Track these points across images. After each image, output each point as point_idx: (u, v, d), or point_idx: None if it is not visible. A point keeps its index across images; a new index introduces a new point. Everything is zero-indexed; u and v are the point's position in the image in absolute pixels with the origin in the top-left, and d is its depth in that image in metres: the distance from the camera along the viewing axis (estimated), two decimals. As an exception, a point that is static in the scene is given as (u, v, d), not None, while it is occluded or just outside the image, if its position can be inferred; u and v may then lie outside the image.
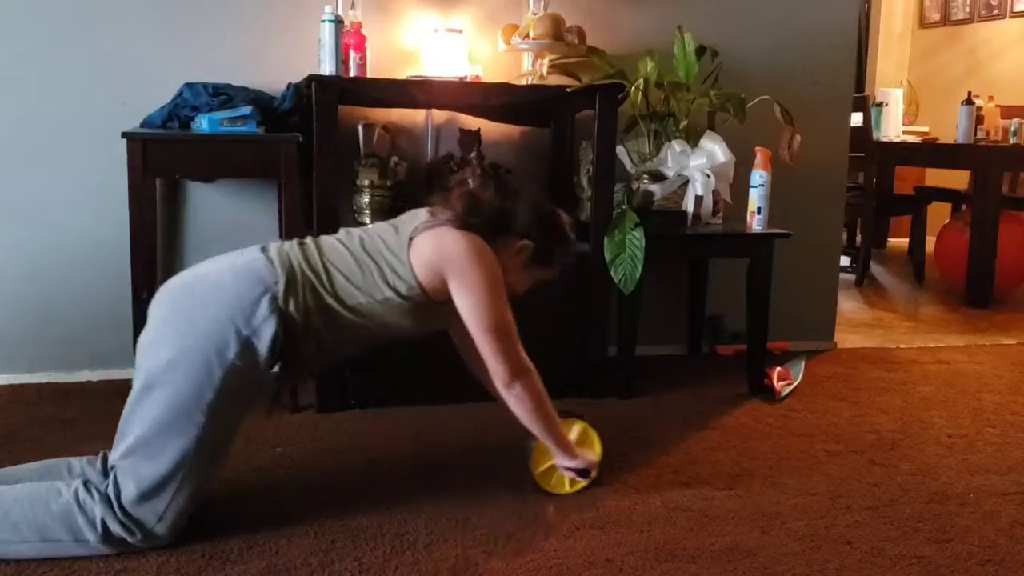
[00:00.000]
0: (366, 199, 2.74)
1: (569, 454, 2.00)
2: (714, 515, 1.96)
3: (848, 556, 1.80)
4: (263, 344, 1.71)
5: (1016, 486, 2.17)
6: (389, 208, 2.77)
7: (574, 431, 2.09)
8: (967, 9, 6.49)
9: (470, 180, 1.94)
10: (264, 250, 1.82)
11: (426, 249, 1.82)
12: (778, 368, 2.92)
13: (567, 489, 2.04)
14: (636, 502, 2.02)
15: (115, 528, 1.67)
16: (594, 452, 2.10)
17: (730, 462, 2.27)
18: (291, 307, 1.74)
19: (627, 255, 2.61)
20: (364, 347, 1.98)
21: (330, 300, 1.79)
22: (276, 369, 1.80)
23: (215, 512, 1.88)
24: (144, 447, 1.68)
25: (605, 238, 2.66)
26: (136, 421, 1.69)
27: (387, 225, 1.93)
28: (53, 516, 1.67)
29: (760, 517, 1.96)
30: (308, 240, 1.89)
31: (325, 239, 1.90)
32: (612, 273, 2.62)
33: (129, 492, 1.67)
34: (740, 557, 1.78)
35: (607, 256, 2.63)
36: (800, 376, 2.98)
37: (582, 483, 2.04)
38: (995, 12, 6.25)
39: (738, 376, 2.93)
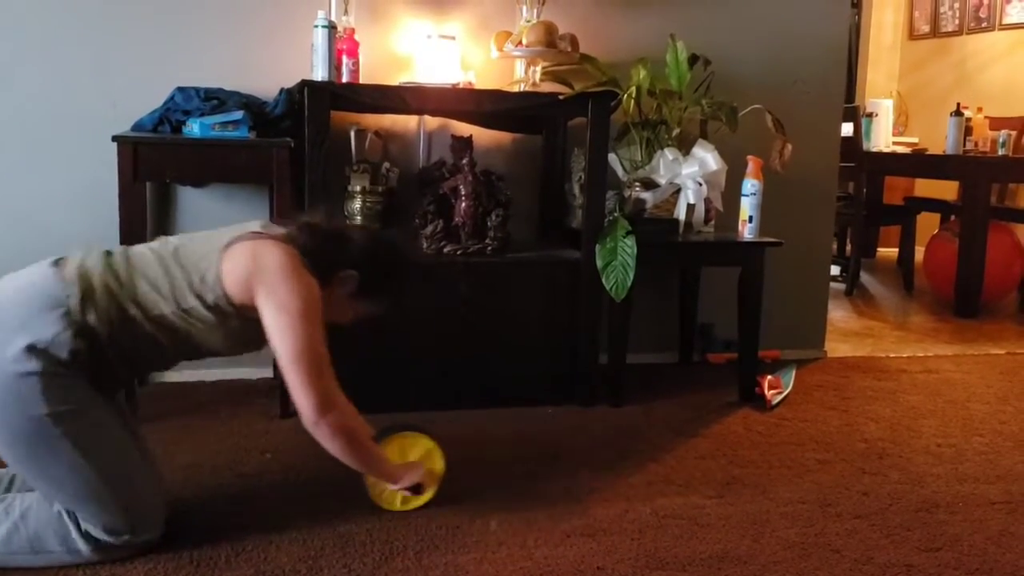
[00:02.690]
0: (357, 205, 2.73)
1: (392, 479, 1.89)
2: (704, 523, 1.96)
3: (838, 564, 1.80)
4: (64, 354, 1.59)
5: (1005, 495, 2.17)
6: (381, 214, 2.77)
7: (394, 448, 1.97)
8: (956, 21, 6.54)
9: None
10: (57, 263, 1.70)
11: (240, 257, 1.69)
12: (769, 376, 2.93)
13: (398, 506, 1.96)
14: (626, 510, 2.01)
15: (99, 535, 1.66)
16: (430, 467, 1.98)
17: (720, 470, 2.27)
18: (91, 319, 1.62)
19: (618, 262, 2.62)
20: (172, 361, 1.84)
21: (133, 310, 1.66)
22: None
23: (203, 518, 1.88)
24: (50, 492, 1.66)
25: (597, 245, 2.66)
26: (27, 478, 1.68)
27: (211, 232, 1.80)
28: (44, 526, 1.66)
29: (750, 525, 1.96)
30: (117, 248, 1.78)
31: (136, 247, 1.78)
32: (603, 280, 2.62)
33: (79, 516, 1.67)
34: (730, 565, 1.78)
35: (598, 263, 2.63)
36: (791, 385, 2.99)
37: (417, 500, 1.96)
38: (984, 24, 6.30)
39: (729, 384, 2.93)
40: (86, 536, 1.66)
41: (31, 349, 1.57)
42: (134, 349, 1.69)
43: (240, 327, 1.72)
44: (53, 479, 1.63)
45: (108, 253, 1.74)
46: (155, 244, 1.79)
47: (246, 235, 1.74)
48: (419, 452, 2.00)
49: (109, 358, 1.66)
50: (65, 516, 1.66)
